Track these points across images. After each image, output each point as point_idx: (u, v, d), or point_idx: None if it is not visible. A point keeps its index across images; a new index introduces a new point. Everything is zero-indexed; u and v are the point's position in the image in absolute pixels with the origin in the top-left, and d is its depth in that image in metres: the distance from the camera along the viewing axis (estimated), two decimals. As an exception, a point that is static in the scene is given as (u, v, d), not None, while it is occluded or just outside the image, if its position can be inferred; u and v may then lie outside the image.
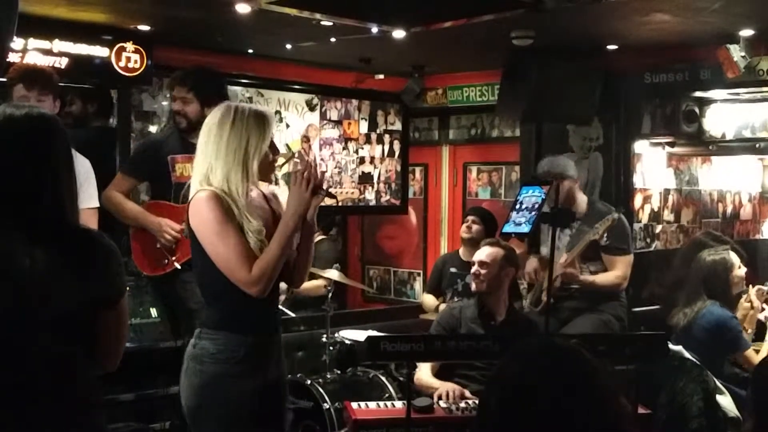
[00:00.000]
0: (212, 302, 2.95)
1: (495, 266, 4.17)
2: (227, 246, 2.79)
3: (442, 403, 3.76)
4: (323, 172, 2.86)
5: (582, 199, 4.98)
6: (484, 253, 4.23)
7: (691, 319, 4.71)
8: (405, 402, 3.52)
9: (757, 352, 4.73)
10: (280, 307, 5.48)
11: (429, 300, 5.64)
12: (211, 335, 2.90)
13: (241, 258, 2.79)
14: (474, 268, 4.22)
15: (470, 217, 5.57)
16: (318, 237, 5.96)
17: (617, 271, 4.81)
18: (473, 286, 4.23)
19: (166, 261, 4.38)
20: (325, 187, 2.92)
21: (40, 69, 4.00)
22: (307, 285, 5.87)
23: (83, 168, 3.94)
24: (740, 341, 4.69)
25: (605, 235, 4.65)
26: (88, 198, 3.98)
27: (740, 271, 4.86)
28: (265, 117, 2.89)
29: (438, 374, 4.09)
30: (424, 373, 4.09)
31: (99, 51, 5.43)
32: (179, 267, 4.35)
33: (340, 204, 6.87)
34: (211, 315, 2.94)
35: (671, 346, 4.33)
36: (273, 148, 2.93)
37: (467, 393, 3.85)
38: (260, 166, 2.87)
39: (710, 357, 4.62)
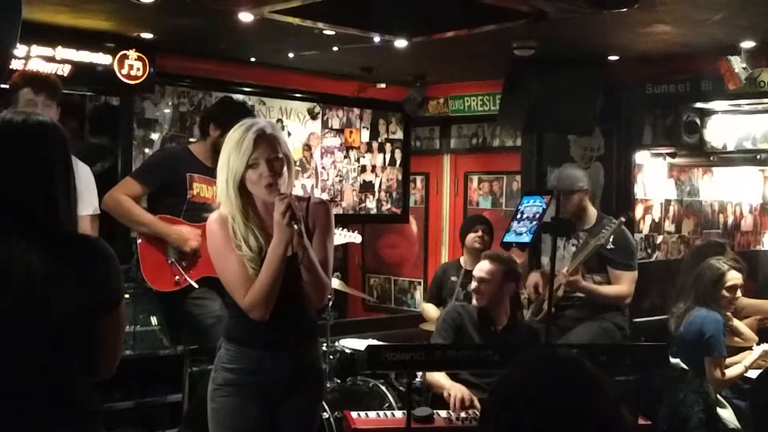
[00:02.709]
0: (229, 314, 3.06)
1: (495, 283, 4.15)
2: (228, 271, 2.89)
3: (443, 413, 3.75)
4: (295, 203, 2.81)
5: (592, 212, 4.97)
6: (484, 269, 4.18)
7: (679, 321, 4.70)
8: (405, 412, 3.52)
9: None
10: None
11: (429, 309, 5.63)
12: (226, 345, 2.99)
13: (238, 283, 2.86)
14: (473, 285, 4.19)
15: (480, 227, 5.55)
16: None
17: (622, 286, 4.80)
18: (474, 302, 4.21)
19: (178, 277, 4.36)
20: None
21: (47, 75, 4.01)
22: None
23: (84, 175, 3.95)
24: (716, 346, 4.59)
25: (611, 242, 4.64)
26: (88, 205, 3.98)
27: (730, 291, 4.76)
28: (241, 137, 2.83)
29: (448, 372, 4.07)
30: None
31: (101, 58, 5.43)
32: (195, 285, 4.31)
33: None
34: (229, 326, 3.04)
35: (671, 357, 4.33)
36: (269, 165, 2.84)
37: (476, 401, 3.83)
38: (254, 185, 2.85)
39: (699, 361, 4.61)
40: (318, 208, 3.01)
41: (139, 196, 4.48)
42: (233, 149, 2.84)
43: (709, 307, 4.68)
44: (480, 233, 5.51)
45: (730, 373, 4.64)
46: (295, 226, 2.78)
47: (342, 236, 5.38)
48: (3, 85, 3.98)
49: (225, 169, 2.85)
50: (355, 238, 5.47)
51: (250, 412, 2.95)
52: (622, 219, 4.70)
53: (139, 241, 4.45)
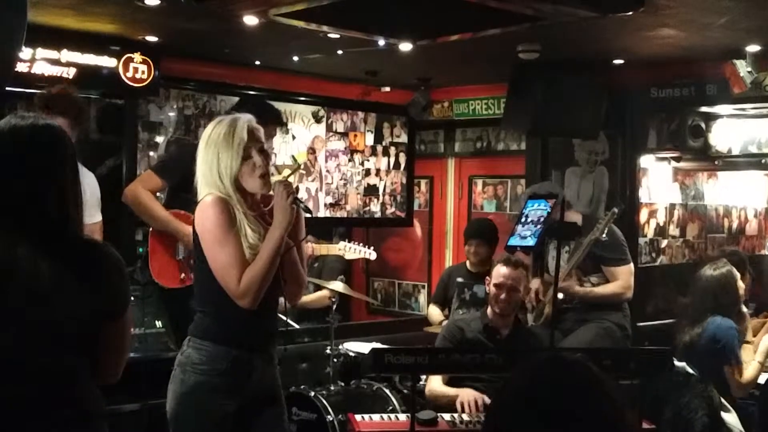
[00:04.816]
0: (203, 311, 2.94)
1: (521, 290, 4.18)
2: (225, 253, 2.80)
3: (446, 416, 3.75)
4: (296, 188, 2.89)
5: (576, 218, 4.96)
6: (512, 277, 4.12)
7: (696, 334, 4.67)
8: (409, 415, 3.52)
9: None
10: (285, 319, 5.51)
11: (434, 313, 5.64)
12: (197, 344, 2.89)
13: (235, 267, 2.79)
14: (501, 294, 4.12)
15: (473, 241, 5.48)
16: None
17: (619, 282, 4.81)
18: (498, 309, 4.15)
19: (184, 275, 4.37)
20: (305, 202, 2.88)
21: (83, 105, 4.01)
22: (313, 296, 5.87)
23: (89, 182, 3.96)
24: (732, 353, 4.58)
25: (604, 237, 4.61)
26: (94, 213, 3.99)
27: (740, 282, 4.82)
28: (234, 130, 2.84)
29: (448, 384, 4.07)
30: (435, 383, 4.08)
31: (107, 61, 5.45)
32: None
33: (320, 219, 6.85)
34: (199, 324, 2.93)
35: (676, 361, 4.32)
36: (261, 155, 2.87)
37: (486, 399, 3.82)
38: (248, 177, 2.86)
39: (715, 370, 4.59)
40: None
41: (159, 190, 4.49)
42: (222, 145, 2.84)
43: (732, 314, 4.67)
44: (474, 247, 5.45)
45: (748, 374, 4.61)
46: (302, 205, 2.85)
47: (357, 252, 5.36)
48: (10, 88, 4.00)
49: (215, 167, 2.85)
50: (371, 254, 5.45)
51: (221, 415, 2.86)
52: (615, 210, 4.66)
53: (150, 232, 4.46)
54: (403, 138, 7.50)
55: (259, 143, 2.88)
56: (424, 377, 4.27)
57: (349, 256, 5.42)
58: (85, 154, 3.85)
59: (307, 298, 5.90)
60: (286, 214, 2.80)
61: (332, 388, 4.75)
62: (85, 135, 5.88)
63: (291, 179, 6.61)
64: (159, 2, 4.33)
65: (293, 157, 6.73)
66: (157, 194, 4.50)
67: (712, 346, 4.58)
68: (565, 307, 4.82)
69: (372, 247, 5.52)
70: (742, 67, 5.19)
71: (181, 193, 4.48)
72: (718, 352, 4.58)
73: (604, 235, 4.56)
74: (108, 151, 5.83)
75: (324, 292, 5.47)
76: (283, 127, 4.54)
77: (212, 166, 2.86)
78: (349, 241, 5.46)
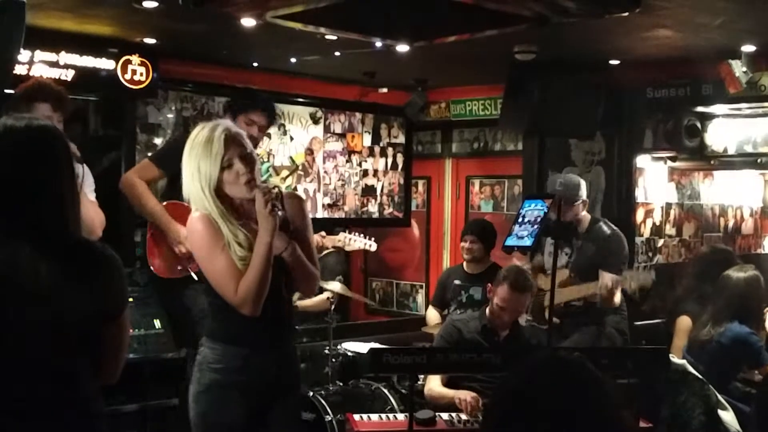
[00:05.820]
0: (213, 314, 2.98)
1: (524, 311, 4.21)
2: (217, 267, 2.84)
3: (444, 416, 3.77)
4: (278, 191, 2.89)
5: (586, 218, 5.00)
6: (518, 302, 4.12)
7: (716, 334, 4.69)
8: (407, 414, 3.54)
9: None
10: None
11: (429, 314, 5.64)
12: (210, 345, 2.95)
13: (229, 279, 2.81)
14: (506, 317, 4.13)
15: (468, 237, 5.45)
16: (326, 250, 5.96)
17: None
18: (498, 323, 4.17)
19: (180, 267, 4.39)
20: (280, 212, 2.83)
21: (62, 92, 4.02)
22: (312, 301, 5.89)
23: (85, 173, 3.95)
24: (762, 356, 4.65)
25: (607, 248, 4.67)
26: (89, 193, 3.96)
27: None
28: (211, 141, 2.81)
29: (446, 385, 4.09)
30: (434, 384, 4.10)
31: (105, 63, 5.46)
32: (195, 277, 4.33)
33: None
34: (211, 326, 2.99)
35: (674, 359, 4.34)
36: (244, 162, 2.84)
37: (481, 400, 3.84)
38: (231, 185, 2.84)
39: (723, 372, 4.61)
40: (293, 203, 3.02)
41: (156, 180, 4.49)
42: (202, 154, 2.82)
43: (754, 318, 4.69)
44: (467, 244, 5.41)
45: None
46: (280, 213, 2.81)
47: (359, 243, 5.36)
48: (7, 90, 4.00)
49: (197, 176, 2.83)
50: (371, 245, 5.44)
51: (239, 412, 2.91)
52: (654, 279, 4.80)
53: (149, 223, 4.46)
54: (401, 139, 7.52)
55: (240, 149, 2.84)
56: (422, 377, 4.29)
57: (350, 247, 5.40)
58: (83, 152, 3.86)
59: (307, 302, 5.92)
60: (268, 221, 2.79)
61: (331, 388, 4.77)
62: (84, 131, 5.91)
63: (289, 180, 6.67)
64: (157, 4, 4.34)
65: (291, 158, 6.75)
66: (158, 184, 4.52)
67: (736, 351, 4.62)
68: (565, 311, 4.83)
69: (372, 239, 5.51)
70: (738, 67, 5.20)
71: (180, 183, 4.48)
72: (746, 358, 4.64)
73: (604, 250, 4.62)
74: (108, 147, 5.82)
75: (323, 297, 5.47)
76: (273, 116, 4.54)
77: (194, 174, 2.85)
78: (349, 233, 5.46)
